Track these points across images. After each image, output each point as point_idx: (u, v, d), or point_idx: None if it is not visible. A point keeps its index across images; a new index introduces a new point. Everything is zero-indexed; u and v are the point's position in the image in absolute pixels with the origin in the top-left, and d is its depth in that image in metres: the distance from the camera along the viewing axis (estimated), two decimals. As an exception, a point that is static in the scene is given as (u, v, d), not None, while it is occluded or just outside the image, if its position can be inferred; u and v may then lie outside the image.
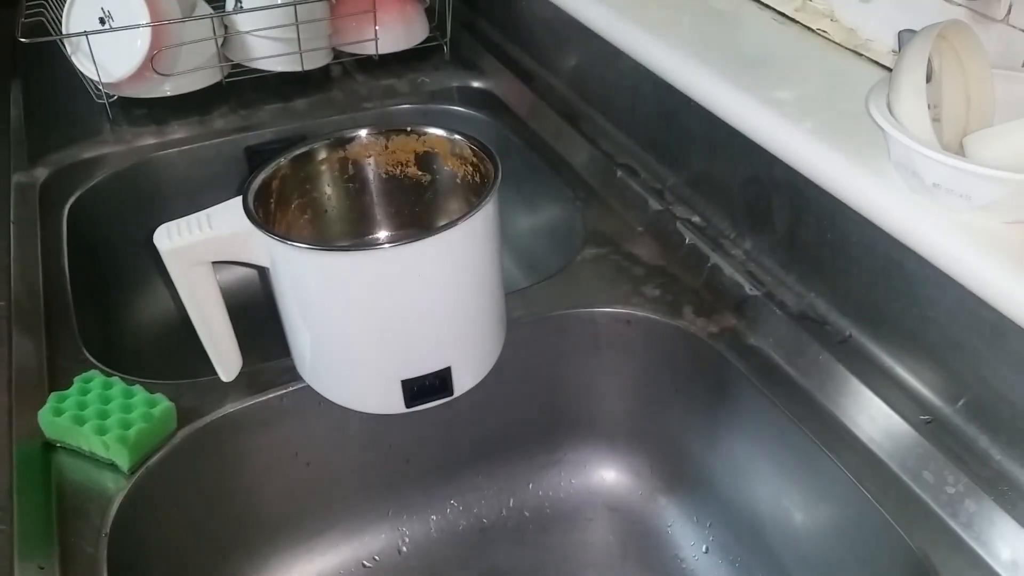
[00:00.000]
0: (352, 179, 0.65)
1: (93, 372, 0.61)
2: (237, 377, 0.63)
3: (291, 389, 0.63)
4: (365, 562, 0.72)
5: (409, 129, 0.64)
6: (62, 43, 0.90)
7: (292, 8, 0.92)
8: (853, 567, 0.59)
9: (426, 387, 0.59)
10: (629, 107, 0.85)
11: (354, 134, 0.63)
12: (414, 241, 0.53)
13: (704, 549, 0.72)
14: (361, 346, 0.58)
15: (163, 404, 0.59)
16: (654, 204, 0.79)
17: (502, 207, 0.58)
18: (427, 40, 1.07)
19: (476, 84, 1.03)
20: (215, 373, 0.62)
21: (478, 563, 0.73)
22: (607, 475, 0.78)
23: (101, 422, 0.57)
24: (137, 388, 0.60)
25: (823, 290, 0.65)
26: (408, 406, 0.59)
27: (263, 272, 0.57)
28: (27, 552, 0.52)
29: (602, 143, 0.88)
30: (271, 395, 0.63)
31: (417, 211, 0.66)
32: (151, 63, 0.89)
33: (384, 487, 0.73)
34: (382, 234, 0.68)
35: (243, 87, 0.99)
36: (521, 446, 0.77)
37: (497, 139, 0.95)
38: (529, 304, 0.71)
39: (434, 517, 0.75)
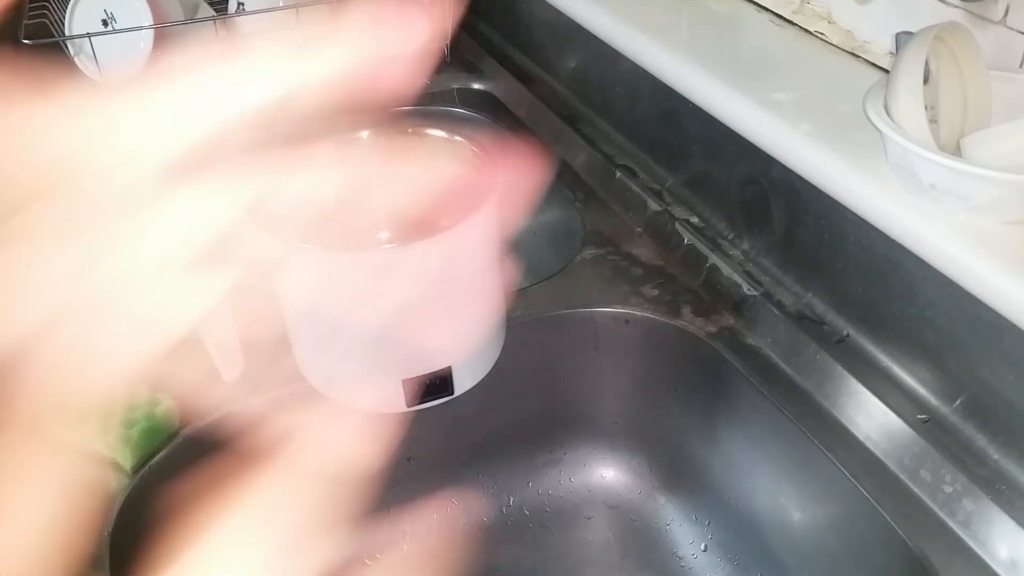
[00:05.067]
0: (353, 180, 0.65)
1: (96, 372, 0.62)
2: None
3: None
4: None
5: (410, 130, 0.64)
6: (65, 45, 0.90)
7: (294, 11, 0.93)
8: (851, 565, 0.59)
9: (427, 387, 0.59)
10: (628, 109, 0.85)
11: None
12: (415, 242, 0.53)
13: (703, 547, 0.72)
14: (362, 346, 0.58)
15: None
16: (653, 205, 0.80)
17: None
18: (428, 42, 1.07)
19: (476, 86, 1.04)
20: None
21: (478, 561, 0.73)
22: (606, 474, 0.78)
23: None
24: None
25: (821, 290, 0.66)
26: (409, 405, 0.59)
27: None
28: (30, 550, 0.52)
29: (601, 144, 0.88)
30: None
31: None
32: (153, 65, 0.90)
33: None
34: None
35: (245, 89, 0.99)
36: (521, 445, 0.77)
37: (497, 141, 0.95)
38: (529, 304, 0.71)
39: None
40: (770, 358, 0.65)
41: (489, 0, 1.11)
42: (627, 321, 0.71)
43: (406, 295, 0.56)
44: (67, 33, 0.89)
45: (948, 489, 0.54)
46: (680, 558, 0.72)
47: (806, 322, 0.66)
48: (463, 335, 0.60)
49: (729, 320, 0.69)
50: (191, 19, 0.92)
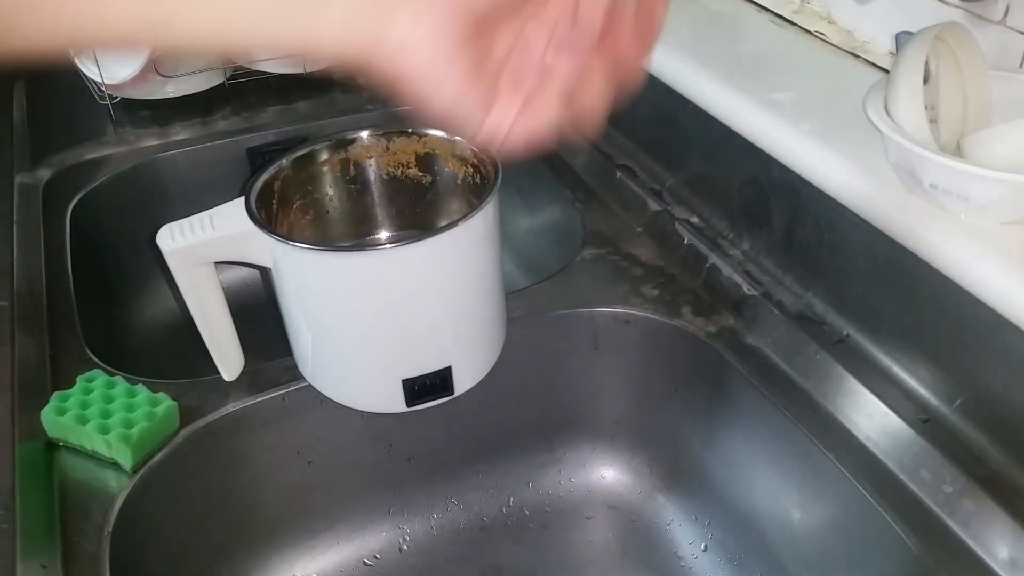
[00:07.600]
0: (353, 180, 0.65)
1: (96, 371, 0.62)
2: (239, 376, 0.63)
3: (293, 388, 0.64)
4: (366, 560, 0.72)
5: (410, 130, 0.64)
6: (65, 45, 0.90)
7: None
8: (851, 565, 0.59)
9: (427, 386, 0.59)
10: (628, 109, 0.85)
11: (355, 135, 0.64)
12: (415, 241, 0.53)
13: (703, 547, 0.72)
14: (362, 345, 0.58)
15: (166, 403, 0.59)
16: (653, 205, 0.80)
17: (502, 208, 0.58)
18: (428, 42, 1.07)
19: (477, 85, 1.03)
20: (217, 372, 0.63)
21: (478, 561, 0.73)
22: (606, 473, 0.78)
23: (104, 421, 0.58)
24: (140, 387, 0.60)
25: (821, 290, 0.66)
26: (409, 405, 0.59)
27: (265, 272, 0.58)
28: (30, 551, 0.52)
29: (601, 144, 0.88)
30: (273, 394, 0.63)
31: (418, 212, 0.67)
32: (154, 64, 0.89)
33: (385, 486, 0.73)
34: (383, 235, 0.68)
35: (245, 89, 0.99)
36: (521, 445, 0.77)
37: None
38: (529, 304, 0.71)
39: (435, 515, 0.75)
40: (770, 358, 0.65)
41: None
42: (627, 321, 0.71)
43: (407, 295, 0.56)
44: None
45: (948, 489, 0.54)
46: (680, 558, 0.72)
47: (806, 322, 0.66)
48: (463, 335, 0.60)
49: (729, 320, 0.69)
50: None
